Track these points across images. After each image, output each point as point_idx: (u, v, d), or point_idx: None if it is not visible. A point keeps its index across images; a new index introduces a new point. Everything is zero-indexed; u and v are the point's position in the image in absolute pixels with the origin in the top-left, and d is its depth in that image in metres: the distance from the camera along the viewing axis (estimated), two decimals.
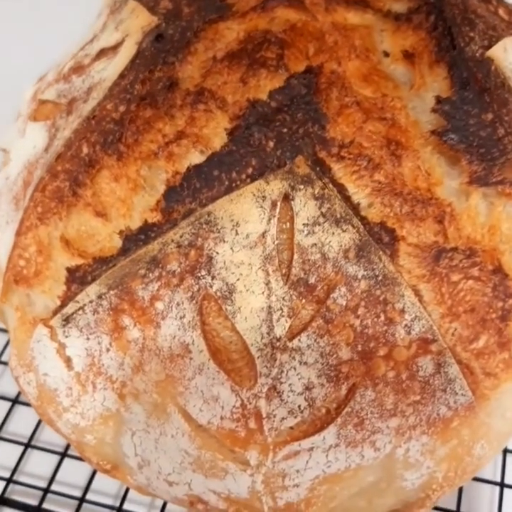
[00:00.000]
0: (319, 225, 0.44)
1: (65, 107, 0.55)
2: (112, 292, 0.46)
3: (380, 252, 0.43)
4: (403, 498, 0.50)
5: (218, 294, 0.44)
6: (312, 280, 0.44)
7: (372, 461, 0.47)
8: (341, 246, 0.44)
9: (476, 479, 0.59)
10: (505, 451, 0.62)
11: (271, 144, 0.45)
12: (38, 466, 0.64)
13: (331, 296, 0.44)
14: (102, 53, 0.55)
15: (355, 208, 0.44)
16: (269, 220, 0.44)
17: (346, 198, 0.44)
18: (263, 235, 0.44)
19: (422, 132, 0.47)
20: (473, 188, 0.46)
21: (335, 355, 0.44)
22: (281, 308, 0.44)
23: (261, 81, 0.48)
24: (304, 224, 0.44)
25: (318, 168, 0.44)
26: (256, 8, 0.52)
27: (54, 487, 0.62)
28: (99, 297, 0.46)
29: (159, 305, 0.45)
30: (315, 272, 0.44)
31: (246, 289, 0.44)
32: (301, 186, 0.44)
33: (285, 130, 0.45)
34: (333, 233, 0.44)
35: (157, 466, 0.49)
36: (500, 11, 0.55)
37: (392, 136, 0.46)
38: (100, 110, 0.50)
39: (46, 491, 0.62)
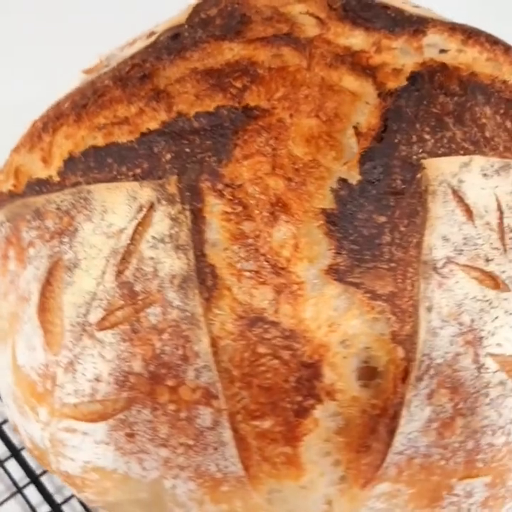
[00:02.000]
0: (164, 243, 0.46)
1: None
2: (7, 224, 0.52)
3: (197, 291, 0.44)
4: None
5: (66, 262, 0.48)
6: (137, 288, 0.46)
7: (141, 477, 0.49)
8: (171, 270, 0.45)
9: None
10: None
11: (168, 156, 0.48)
12: None
13: (146, 310, 0.46)
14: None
15: (201, 243, 0.45)
16: (131, 220, 0.47)
17: (199, 231, 0.45)
18: (121, 230, 0.47)
19: (315, 207, 0.46)
20: (331, 279, 0.45)
21: (129, 363, 0.46)
22: (102, 300, 0.47)
23: (210, 102, 0.50)
24: (152, 236, 0.46)
25: (187, 194, 0.46)
26: (264, 40, 0.54)
27: None
28: (1, 224, 0.53)
29: (31, 251, 0.50)
30: (143, 282, 0.46)
31: (86, 269, 0.48)
32: (165, 203, 0.46)
33: (187, 150, 0.47)
34: (170, 256, 0.45)
35: None
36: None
37: (285, 198, 0.46)
38: (97, 78, 0.56)
39: None
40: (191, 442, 0.46)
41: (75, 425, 0.48)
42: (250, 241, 0.45)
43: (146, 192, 0.46)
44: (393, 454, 0.45)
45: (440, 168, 0.46)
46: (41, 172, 0.52)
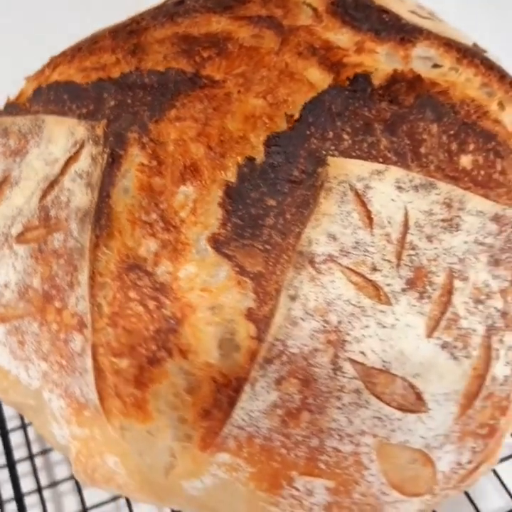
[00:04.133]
0: (81, 178, 0.50)
1: None
2: None
3: (90, 227, 0.48)
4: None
5: (12, 179, 0.54)
6: (52, 213, 0.51)
7: (28, 384, 0.53)
8: (78, 204, 0.49)
9: None
10: None
11: (112, 103, 0.52)
12: None
13: (54, 234, 0.50)
14: None
15: (111, 186, 0.49)
16: (65, 153, 0.52)
17: (111, 175, 0.49)
18: (56, 160, 0.52)
19: (223, 178, 0.48)
20: (211, 247, 0.47)
21: (31, 278, 0.51)
22: (24, 217, 0.52)
23: (173, 64, 0.53)
24: (75, 171, 0.50)
25: (111, 139, 0.50)
26: (250, 19, 0.56)
27: None
28: None
29: None
30: (57, 209, 0.51)
31: (22, 188, 0.53)
32: (91, 143, 0.50)
33: (129, 101, 0.51)
34: (81, 191, 0.50)
35: None
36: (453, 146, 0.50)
37: (199, 164, 0.49)
38: (102, 31, 0.61)
39: None
40: (64, 362, 0.50)
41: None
42: (154, 195, 0.48)
43: (80, 130, 0.51)
44: (232, 426, 0.47)
45: (345, 169, 0.46)
46: (22, 98, 0.58)
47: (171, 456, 0.49)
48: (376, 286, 0.46)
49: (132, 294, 0.47)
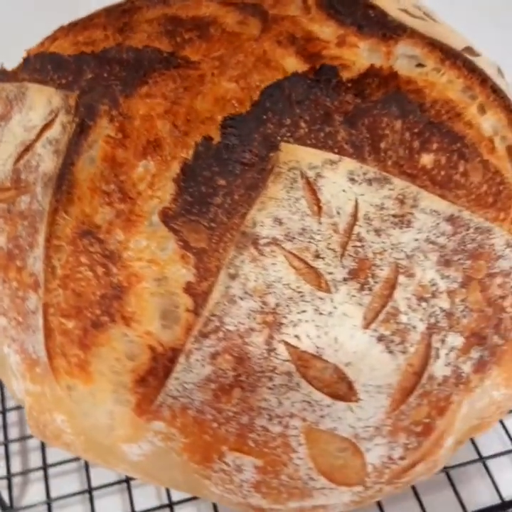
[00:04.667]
0: (50, 145, 0.52)
1: None
2: None
3: (51, 191, 0.50)
4: None
5: None
6: (23, 176, 0.53)
7: None
8: (45, 169, 0.52)
9: None
10: None
11: (89, 75, 0.54)
12: None
13: (22, 197, 0.53)
14: None
15: (76, 154, 0.51)
16: (42, 120, 0.54)
17: (77, 144, 0.51)
18: (34, 127, 0.54)
19: (182, 156, 0.50)
20: (161, 220, 0.49)
21: (0, 237, 0.54)
22: (0, 178, 0.54)
23: (153, 43, 0.55)
24: (47, 137, 0.53)
25: (82, 109, 0.52)
26: (236, 5, 0.58)
27: None
28: None
29: None
30: (27, 173, 0.53)
31: (1, 151, 0.56)
32: (64, 112, 0.52)
33: (105, 75, 0.53)
34: (49, 157, 0.52)
35: None
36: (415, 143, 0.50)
37: (162, 140, 0.51)
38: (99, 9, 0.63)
39: None
40: (21, 319, 0.52)
41: None
42: (116, 166, 0.50)
43: (56, 100, 0.53)
44: (167, 395, 0.48)
45: (296, 156, 0.47)
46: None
47: (112, 419, 0.51)
48: (317, 274, 0.47)
49: (83, 259, 0.49)
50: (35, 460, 0.66)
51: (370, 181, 0.48)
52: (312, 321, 0.47)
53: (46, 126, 0.53)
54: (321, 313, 0.47)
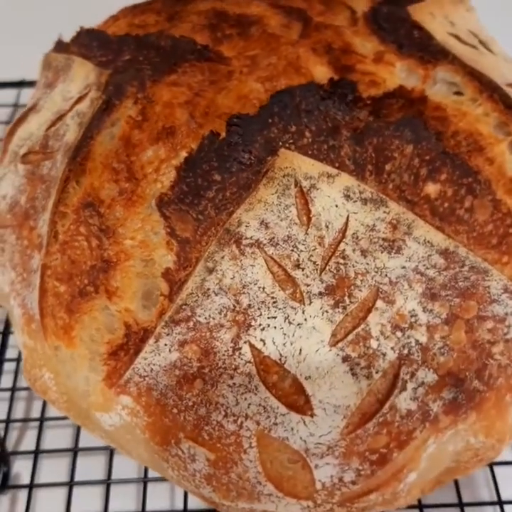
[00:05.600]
0: (78, 117, 0.55)
1: None
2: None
3: (66, 161, 0.53)
4: None
5: (37, 107, 0.60)
6: (50, 143, 0.56)
7: (1, 289, 0.60)
8: (68, 139, 0.55)
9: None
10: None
11: (126, 57, 0.56)
12: None
13: (45, 162, 0.56)
14: None
15: (96, 129, 0.54)
16: (79, 92, 0.57)
17: (100, 120, 0.54)
18: (70, 98, 0.57)
19: (190, 146, 0.52)
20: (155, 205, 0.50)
21: (20, 196, 0.57)
22: (31, 141, 0.58)
23: (194, 34, 0.57)
24: (76, 110, 0.56)
25: (111, 88, 0.54)
26: (283, 8, 0.58)
27: None
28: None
29: (37, 92, 0.63)
30: (54, 140, 0.56)
31: (40, 116, 0.59)
32: (95, 88, 0.55)
33: (140, 58, 0.55)
34: (73, 129, 0.55)
35: None
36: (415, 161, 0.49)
37: (177, 129, 0.52)
38: None
39: None
40: (25, 276, 0.56)
41: None
42: (129, 146, 0.52)
43: (92, 76, 0.56)
44: (134, 372, 0.50)
45: (294, 163, 0.48)
46: None
47: (87, 385, 0.53)
48: (294, 283, 0.47)
49: (82, 229, 0.51)
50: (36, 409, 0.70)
51: (365, 201, 0.48)
52: (280, 328, 0.47)
53: (80, 99, 0.56)
54: (290, 323, 0.47)
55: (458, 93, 0.55)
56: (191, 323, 0.48)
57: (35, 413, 0.69)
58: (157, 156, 0.51)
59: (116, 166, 0.51)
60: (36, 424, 0.68)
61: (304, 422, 0.47)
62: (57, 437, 0.67)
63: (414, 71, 0.55)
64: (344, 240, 0.47)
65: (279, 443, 0.48)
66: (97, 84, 0.54)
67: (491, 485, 0.64)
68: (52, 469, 0.65)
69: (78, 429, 0.67)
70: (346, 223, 0.48)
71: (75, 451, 0.65)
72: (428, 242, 0.48)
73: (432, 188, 0.49)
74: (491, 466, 0.64)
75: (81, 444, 0.66)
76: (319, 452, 0.48)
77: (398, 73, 0.55)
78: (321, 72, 0.54)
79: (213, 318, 0.48)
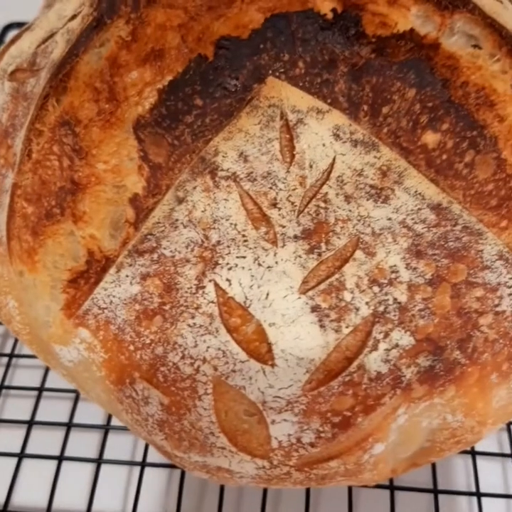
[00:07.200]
0: (67, 34, 0.52)
1: None
2: None
3: (48, 77, 0.51)
4: None
5: (32, 26, 0.58)
6: (37, 60, 0.54)
7: None
8: (54, 56, 0.52)
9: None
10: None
11: None
12: None
13: (29, 79, 0.53)
14: None
15: (83, 48, 0.51)
16: (72, 12, 0.54)
17: (88, 37, 0.51)
18: (65, 16, 0.55)
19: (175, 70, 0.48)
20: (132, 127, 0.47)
21: (4, 113, 0.55)
22: (21, 59, 0.55)
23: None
24: (67, 27, 0.53)
25: (104, 5, 0.51)
26: None
27: None
28: None
29: None
30: (41, 57, 0.53)
31: (32, 34, 0.56)
32: (88, 4, 0.52)
33: None
34: (60, 44, 0.52)
35: None
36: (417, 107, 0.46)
37: (166, 52, 0.49)
38: None
39: None
40: None
41: None
42: (114, 67, 0.49)
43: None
44: (93, 303, 0.47)
45: (281, 94, 0.44)
46: None
47: (48, 315, 0.51)
48: (269, 223, 0.44)
49: (55, 148, 0.49)
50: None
51: (355, 142, 0.44)
52: (249, 269, 0.44)
53: (73, 17, 0.53)
54: (260, 265, 0.44)
55: (476, 46, 0.51)
56: (155, 255, 0.45)
57: (7, 349, 0.67)
58: (142, 78, 0.48)
59: (99, 85, 0.49)
60: (5, 360, 0.65)
61: (264, 372, 0.44)
62: (24, 376, 0.65)
63: (430, 18, 0.51)
64: (328, 182, 0.44)
65: (236, 392, 0.45)
66: (90, 2, 0.51)
67: (471, 475, 0.59)
68: (16, 406, 0.63)
69: (47, 370, 0.64)
70: (332, 164, 0.44)
71: (39, 390, 0.62)
72: (419, 194, 0.44)
73: (430, 137, 0.45)
74: (473, 455, 0.60)
75: (47, 385, 0.63)
76: (277, 407, 0.45)
77: (413, 19, 0.51)
78: (327, 6, 0.50)
79: (179, 252, 0.45)
